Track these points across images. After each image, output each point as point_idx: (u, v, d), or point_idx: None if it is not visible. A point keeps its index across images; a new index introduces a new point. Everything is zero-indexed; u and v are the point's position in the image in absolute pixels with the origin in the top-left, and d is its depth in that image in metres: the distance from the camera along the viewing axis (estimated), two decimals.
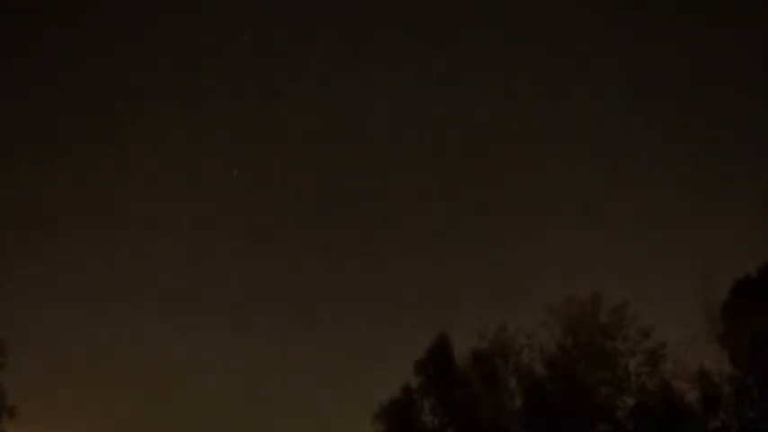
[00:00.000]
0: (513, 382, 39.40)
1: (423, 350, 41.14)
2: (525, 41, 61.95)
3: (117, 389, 49.41)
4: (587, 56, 61.65)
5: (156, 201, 60.20)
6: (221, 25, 64.24)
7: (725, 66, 58.35)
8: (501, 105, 62.18)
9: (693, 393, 35.69)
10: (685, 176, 56.48)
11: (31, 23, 59.60)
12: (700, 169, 56.11)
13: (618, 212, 55.44)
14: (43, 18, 59.53)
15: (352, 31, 63.39)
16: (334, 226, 61.50)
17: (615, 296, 38.58)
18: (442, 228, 60.11)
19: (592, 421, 37.19)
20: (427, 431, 40.22)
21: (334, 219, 62.08)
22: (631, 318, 38.22)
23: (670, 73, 60.57)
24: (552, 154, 60.40)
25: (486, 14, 62.25)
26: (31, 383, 42.10)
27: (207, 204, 61.46)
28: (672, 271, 44.90)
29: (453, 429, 40.07)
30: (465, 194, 61.90)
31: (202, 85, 63.91)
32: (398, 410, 40.37)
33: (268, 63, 63.95)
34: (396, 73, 64.01)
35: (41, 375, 46.18)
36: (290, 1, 64.54)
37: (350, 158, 63.87)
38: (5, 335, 37.68)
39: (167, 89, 63.07)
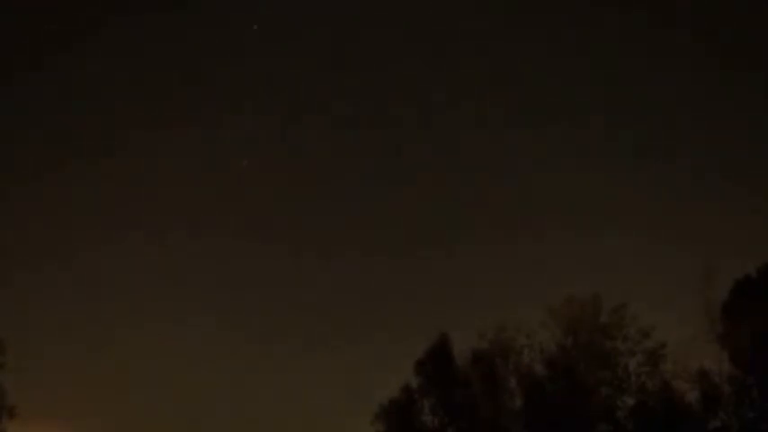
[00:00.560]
0: (513, 382, 39.39)
1: (423, 350, 41.19)
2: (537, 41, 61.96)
3: (117, 389, 49.47)
4: (593, 55, 61.72)
5: (156, 202, 60.27)
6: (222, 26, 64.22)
7: (725, 66, 58.41)
8: (502, 105, 62.26)
9: (693, 393, 35.71)
10: (685, 176, 56.58)
11: (32, 22, 59.54)
12: (700, 169, 56.24)
13: (618, 213, 55.56)
14: (44, 19, 59.44)
15: (352, 32, 63.42)
16: (334, 226, 61.67)
17: (615, 296, 38.67)
18: (442, 228, 60.20)
19: (592, 421, 37.16)
20: (427, 431, 40.20)
21: (334, 219, 62.28)
22: (631, 318, 38.24)
23: (670, 73, 60.74)
24: (552, 154, 60.57)
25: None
26: (31, 383, 42.13)
27: (206, 204, 61.61)
28: (672, 271, 44.87)
29: (453, 429, 40.05)
30: (465, 195, 61.98)
31: (203, 90, 63.97)
32: (398, 410, 40.32)
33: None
34: (396, 73, 64.36)
35: (41, 375, 46.25)
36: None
37: (350, 158, 64.08)
38: (5, 335, 37.76)
39: (167, 91, 63.14)
